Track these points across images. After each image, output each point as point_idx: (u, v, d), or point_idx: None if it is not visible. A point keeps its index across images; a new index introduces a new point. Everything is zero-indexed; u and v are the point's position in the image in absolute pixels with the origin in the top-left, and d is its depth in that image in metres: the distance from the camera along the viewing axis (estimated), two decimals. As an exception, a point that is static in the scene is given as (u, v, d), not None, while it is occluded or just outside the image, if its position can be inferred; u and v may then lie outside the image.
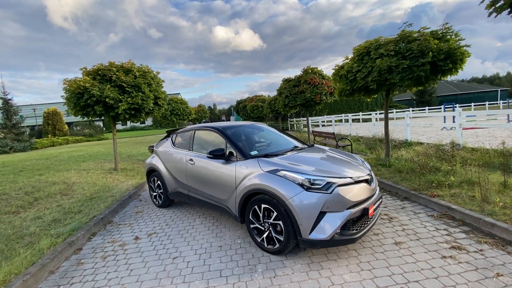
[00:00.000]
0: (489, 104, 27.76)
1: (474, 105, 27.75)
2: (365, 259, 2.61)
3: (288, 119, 30.31)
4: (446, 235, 2.97)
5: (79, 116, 6.91)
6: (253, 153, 3.26)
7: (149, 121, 50.28)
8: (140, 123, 51.85)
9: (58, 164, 8.43)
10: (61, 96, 6.65)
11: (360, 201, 2.65)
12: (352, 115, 16.23)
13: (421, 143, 8.94)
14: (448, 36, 4.49)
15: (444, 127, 14.15)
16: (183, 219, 4.01)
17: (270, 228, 2.77)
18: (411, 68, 4.44)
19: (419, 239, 2.92)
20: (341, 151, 3.77)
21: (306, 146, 3.88)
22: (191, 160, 3.81)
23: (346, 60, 5.54)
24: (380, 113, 20.23)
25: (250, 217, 2.95)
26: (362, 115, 19.64)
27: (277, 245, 2.71)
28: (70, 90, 6.22)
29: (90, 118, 7.09)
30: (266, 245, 2.82)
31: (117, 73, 6.41)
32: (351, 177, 2.71)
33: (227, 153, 3.31)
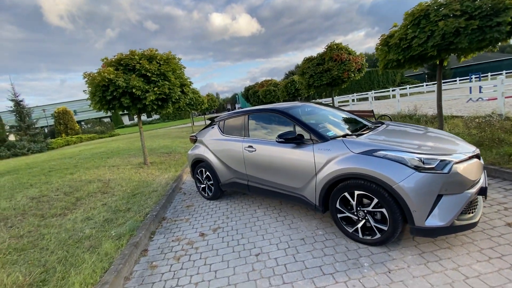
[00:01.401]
0: (506, 73, 26.53)
1: (491, 75, 26.59)
2: (485, 245, 2.27)
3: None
4: None
5: (103, 111, 6.63)
6: (331, 134, 2.89)
7: (155, 115, 49.88)
8: (147, 117, 51.61)
9: (84, 162, 8.22)
10: (84, 91, 6.31)
11: (477, 180, 2.29)
12: (372, 93, 15.60)
13: (455, 116, 8.47)
14: None
15: (470, 99, 13.49)
16: (242, 211, 3.72)
17: (367, 217, 2.44)
18: (482, 29, 3.92)
19: (533, 219, 2.56)
20: (421, 126, 3.37)
21: (373, 124, 3.49)
22: (251, 147, 3.45)
23: (395, 28, 5.00)
24: (401, 89, 19.51)
25: (338, 206, 2.62)
26: (374, 93, 18.91)
27: (378, 235, 2.39)
28: (94, 83, 5.85)
29: (115, 112, 6.80)
30: (361, 236, 2.50)
31: (140, 62, 6.01)
32: (462, 153, 2.33)
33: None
